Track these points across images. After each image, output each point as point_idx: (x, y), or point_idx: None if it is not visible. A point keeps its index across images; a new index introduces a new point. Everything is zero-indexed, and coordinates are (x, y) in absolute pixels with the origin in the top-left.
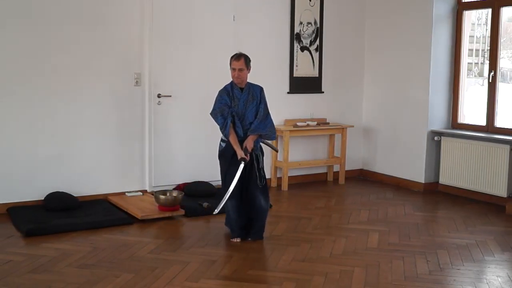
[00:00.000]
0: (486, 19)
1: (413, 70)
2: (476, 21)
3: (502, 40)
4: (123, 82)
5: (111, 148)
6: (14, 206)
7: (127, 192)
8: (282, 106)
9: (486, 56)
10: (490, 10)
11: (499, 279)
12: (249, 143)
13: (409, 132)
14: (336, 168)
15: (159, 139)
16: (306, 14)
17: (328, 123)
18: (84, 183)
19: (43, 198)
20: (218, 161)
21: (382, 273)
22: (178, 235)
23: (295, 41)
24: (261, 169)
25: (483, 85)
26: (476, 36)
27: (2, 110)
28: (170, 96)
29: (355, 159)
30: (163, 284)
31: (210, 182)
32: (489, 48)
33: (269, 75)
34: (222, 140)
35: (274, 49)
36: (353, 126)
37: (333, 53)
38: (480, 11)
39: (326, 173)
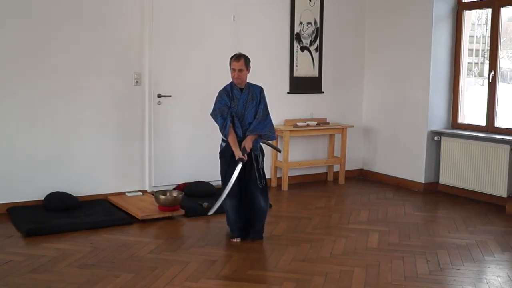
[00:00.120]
0: (486, 19)
1: (413, 70)
2: (476, 21)
3: (502, 40)
4: (123, 82)
5: (111, 148)
6: (14, 206)
7: (127, 192)
8: (282, 106)
9: (486, 56)
10: (490, 10)
11: (499, 279)
12: (248, 143)
13: (409, 132)
14: (336, 168)
15: (159, 139)
16: (306, 14)
17: (328, 123)
18: (84, 183)
19: (43, 198)
20: (218, 161)
21: (382, 273)
22: (178, 235)
23: (295, 41)
24: (261, 170)
25: (483, 85)
26: (476, 36)
27: (2, 110)
28: (170, 96)
29: (355, 159)
30: (163, 284)
31: (210, 182)
32: (489, 48)
33: (269, 75)
34: (222, 140)
35: (274, 49)
36: (353, 126)
37: (333, 53)
38: (480, 11)
39: (326, 173)
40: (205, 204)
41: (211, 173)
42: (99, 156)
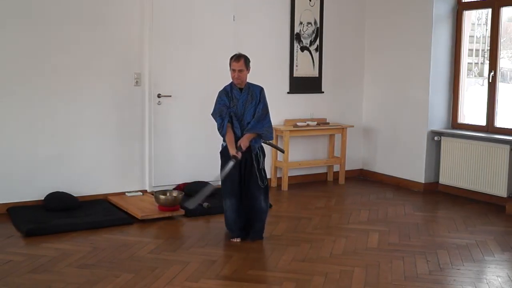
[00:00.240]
0: (486, 19)
1: (413, 70)
2: (476, 21)
3: (502, 40)
4: (123, 82)
5: (111, 148)
6: (14, 206)
7: (127, 192)
8: (282, 106)
9: (486, 56)
10: (490, 10)
11: (499, 279)
12: (244, 141)
13: (409, 132)
14: (336, 168)
15: (159, 139)
16: (306, 14)
17: (328, 123)
18: (84, 183)
19: (43, 198)
20: (218, 160)
21: (382, 273)
22: (178, 235)
23: (295, 41)
24: (261, 170)
25: (483, 85)
26: (476, 36)
27: (2, 110)
28: (170, 96)
29: (355, 159)
30: (163, 284)
31: (210, 182)
32: (489, 48)
33: (269, 75)
34: (224, 140)
35: (274, 49)
36: (353, 126)
37: (333, 53)
38: (480, 11)
39: (326, 173)
40: (205, 204)
41: (211, 173)
42: (99, 156)
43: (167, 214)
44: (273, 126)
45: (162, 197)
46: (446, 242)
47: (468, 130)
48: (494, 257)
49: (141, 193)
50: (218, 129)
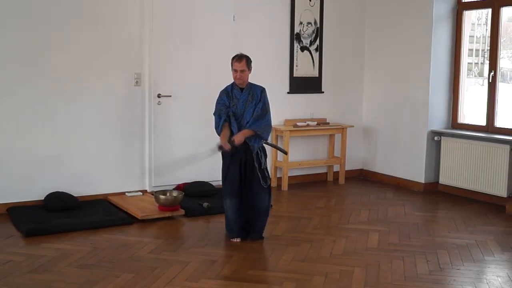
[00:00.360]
0: (486, 19)
1: (413, 70)
2: (476, 21)
3: (502, 40)
4: (123, 82)
5: (111, 148)
6: (14, 206)
7: (127, 192)
8: (282, 106)
9: (486, 56)
10: (490, 10)
11: (499, 279)
12: (238, 136)
13: (409, 132)
14: (336, 168)
15: (159, 139)
16: (306, 14)
17: (328, 123)
18: (84, 183)
19: (43, 198)
20: (218, 161)
21: (382, 273)
22: (178, 235)
23: (295, 41)
24: (264, 170)
25: (483, 85)
26: (476, 36)
27: (2, 110)
28: (170, 96)
29: (355, 159)
30: (163, 284)
31: (210, 182)
32: (489, 48)
33: (269, 75)
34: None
35: (274, 49)
36: (353, 126)
37: (333, 53)
38: (480, 11)
39: (326, 173)
40: (205, 204)
41: (211, 173)
42: (99, 156)
43: (167, 214)
44: (273, 126)
45: (162, 197)
46: (446, 242)
47: (468, 130)
48: (494, 257)
49: (141, 193)
50: (215, 128)
